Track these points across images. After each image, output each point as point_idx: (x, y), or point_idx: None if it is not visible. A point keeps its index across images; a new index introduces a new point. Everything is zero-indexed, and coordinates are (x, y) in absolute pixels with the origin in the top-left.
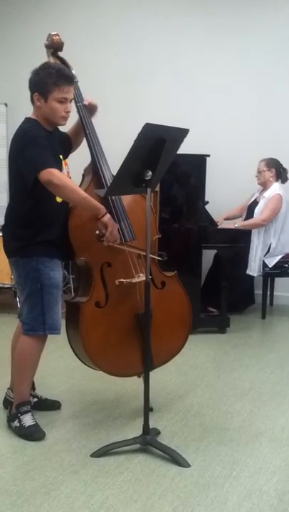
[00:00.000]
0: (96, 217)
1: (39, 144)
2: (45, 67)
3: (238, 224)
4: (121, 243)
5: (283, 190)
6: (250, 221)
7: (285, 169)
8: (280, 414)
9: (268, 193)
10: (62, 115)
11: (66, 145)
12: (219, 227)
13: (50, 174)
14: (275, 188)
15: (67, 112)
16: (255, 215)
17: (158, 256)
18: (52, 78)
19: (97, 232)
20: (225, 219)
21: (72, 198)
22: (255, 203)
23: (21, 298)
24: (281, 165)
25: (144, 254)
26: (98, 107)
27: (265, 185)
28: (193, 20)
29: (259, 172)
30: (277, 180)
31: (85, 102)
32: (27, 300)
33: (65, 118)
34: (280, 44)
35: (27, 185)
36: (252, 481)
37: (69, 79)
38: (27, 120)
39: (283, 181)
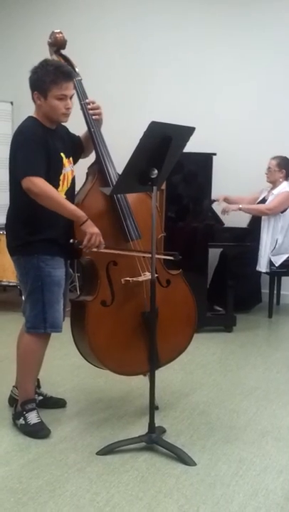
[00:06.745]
0: (77, 225)
1: (30, 147)
2: (43, 65)
3: (242, 205)
4: (108, 247)
5: None
6: (254, 206)
7: None
8: (287, 413)
9: (276, 191)
10: (62, 112)
11: (76, 147)
12: (225, 217)
13: (31, 183)
14: (284, 186)
15: (68, 109)
16: None
17: (171, 256)
18: (50, 76)
19: (72, 240)
20: (225, 199)
21: (52, 206)
22: (263, 201)
23: (24, 296)
24: None
25: (133, 255)
26: (103, 111)
27: (274, 184)
28: (197, 18)
29: (269, 170)
30: (286, 180)
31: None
32: (28, 298)
33: (66, 115)
34: (286, 41)
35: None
36: (258, 480)
37: (67, 75)
38: (27, 119)
39: None
